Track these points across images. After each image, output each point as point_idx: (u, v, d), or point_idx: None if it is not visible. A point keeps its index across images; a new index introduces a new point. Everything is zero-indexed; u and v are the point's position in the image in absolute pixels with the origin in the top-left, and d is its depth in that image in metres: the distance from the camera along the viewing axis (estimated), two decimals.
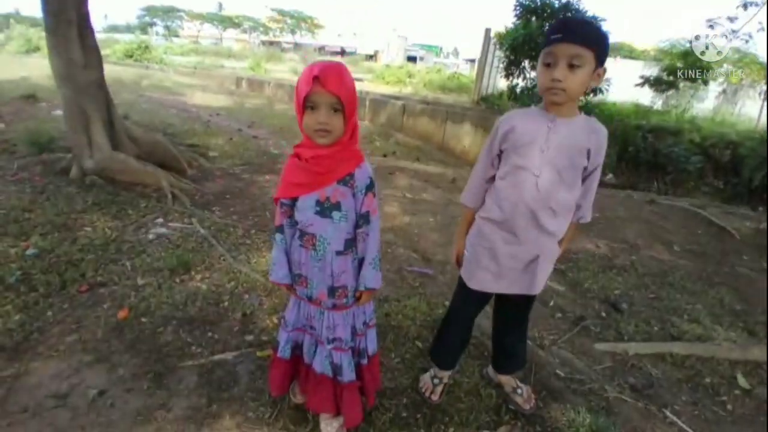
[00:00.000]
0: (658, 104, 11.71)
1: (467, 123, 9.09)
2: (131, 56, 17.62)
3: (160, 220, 3.03)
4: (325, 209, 1.22)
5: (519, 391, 1.68)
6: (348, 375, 1.35)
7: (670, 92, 9.50)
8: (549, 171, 1.27)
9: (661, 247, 3.60)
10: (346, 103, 1.11)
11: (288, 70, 18.63)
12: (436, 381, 1.69)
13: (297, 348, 1.44)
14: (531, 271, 1.39)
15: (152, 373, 1.66)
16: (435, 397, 1.66)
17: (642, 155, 9.24)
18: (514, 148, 1.31)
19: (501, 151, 1.35)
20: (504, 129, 1.32)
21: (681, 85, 8.93)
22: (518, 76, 9.35)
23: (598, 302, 2.64)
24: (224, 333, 1.95)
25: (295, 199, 1.26)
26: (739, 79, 10.58)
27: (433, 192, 4.55)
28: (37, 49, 16.20)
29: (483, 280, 1.44)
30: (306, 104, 1.12)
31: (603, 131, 1.30)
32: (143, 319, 1.97)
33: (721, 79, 10.79)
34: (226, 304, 2.16)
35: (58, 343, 1.76)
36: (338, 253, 1.25)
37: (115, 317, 1.96)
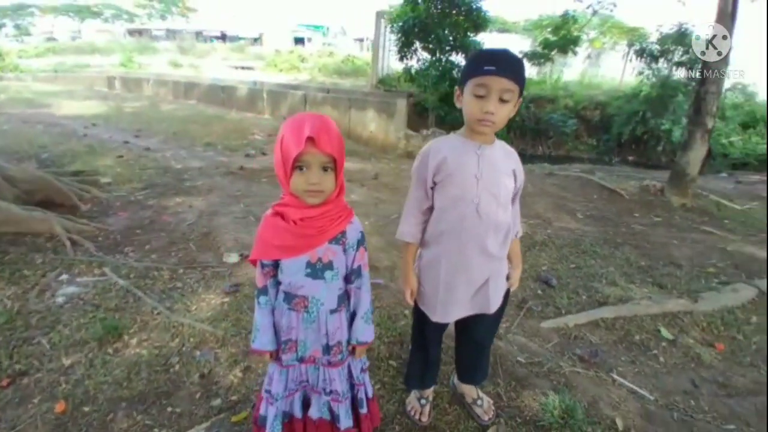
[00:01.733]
0: (533, 74, 12.95)
1: (370, 109, 9.15)
2: None
3: (65, 276, 2.60)
4: (317, 270, 1.16)
5: (479, 402, 1.75)
6: (345, 422, 1.33)
7: (546, 64, 10.55)
8: (486, 196, 1.33)
9: (567, 217, 4.05)
10: (339, 160, 1.07)
11: (166, 63, 16.79)
12: (423, 402, 1.73)
13: (286, 417, 1.35)
14: (483, 293, 1.45)
15: None
16: (425, 419, 1.69)
17: (527, 123, 10.26)
18: (450, 178, 1.33)
19: (434, 183, 1.37)
20: (435, 161, 1.34)
21: (553, 55, 9.95)
22: (411, 58, 9.59)
23: (532, 281, 2.90)
24: (186, 403, 1.76)
25: (277, 260, 1.18)
26: (602, 44, 12.08)
27: (359, 192, 4.54)
28: None
29: (444, 312, 1.47)
30: (295, 165, 1.05)
31: (516, 154, 1.42)
32: (85, 409, 1.70)
33: (585, 45, 12.19)
34: (177, 367, 1.95)
35: None
36: (332, 311, 1.22)
37: (52, 413, 1.66)
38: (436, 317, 1.48)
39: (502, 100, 1.21)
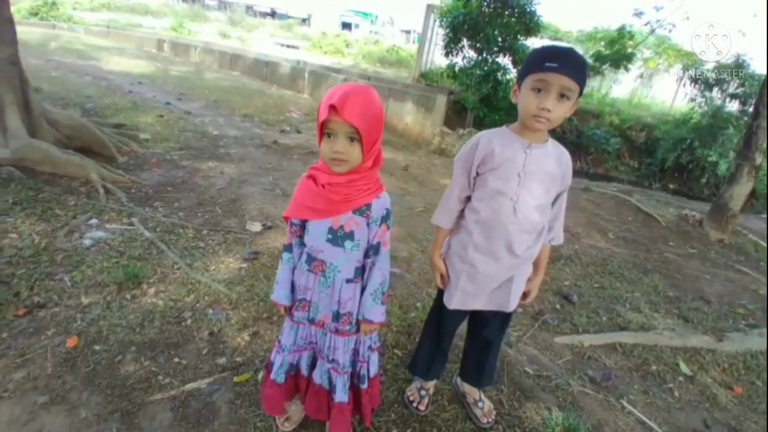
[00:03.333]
0: None
1: (409, 101, 9.08)
2: (37, 14, 15.33)
3: (95, 221, 2.68)
4: (337, 237, 1.17)
5: (480, 404, 1.72)
6: (340, 396, 1.33)
7: (596, 77, 10.24)
8: (525, 196, 1.31)
9: (598, 235, 3.92)
10: (364, 133, 1.05)
11: (216, 33, 17.14)
12: (423, 393, 1.71)
13: (292, 369, 1.39)
14: (505, 289, 1.43)
15: (119, 412, 1.50)
16: (422, 407, 1.68)
17: (567, 136, 9.99)
18: (493, 172, 1.32)
19: (477, 174, 1.36)
20: (483, 153, 1.32)
21: (604, 69, 9.62)
22: (457, 55, 9.45)
23: (552, 294, 2.82)
24: (192, 357, 1.80)
25: (305, 221, 1.21)
26: (656, 65, 11.61)
27: (387, 181, 4.50)
28: None
29: (462, 300, 1.47)
30: (323, 131, 1.07)
31: (567, 155, 1.37)
32: (96, 347, 1.76)
33: (639, 63, 11.74)
34: (188, 321, 1.99)
35: (5, 381, 1.53)
36: (348, 281, 1.22)
37: (64, 346, 1.72)
38: (452, 305, 1.47)
39: (561, 96, 1.17)
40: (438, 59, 13.34)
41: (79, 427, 1.42)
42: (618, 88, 12.31)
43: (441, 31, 10.44)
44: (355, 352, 1.35)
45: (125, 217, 2.80)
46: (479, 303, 1.46)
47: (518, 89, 1.26)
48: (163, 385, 1.64)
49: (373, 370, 1.41)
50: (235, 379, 1.71)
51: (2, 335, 1.71)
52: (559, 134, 10.00)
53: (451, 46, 9.51)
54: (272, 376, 1.36)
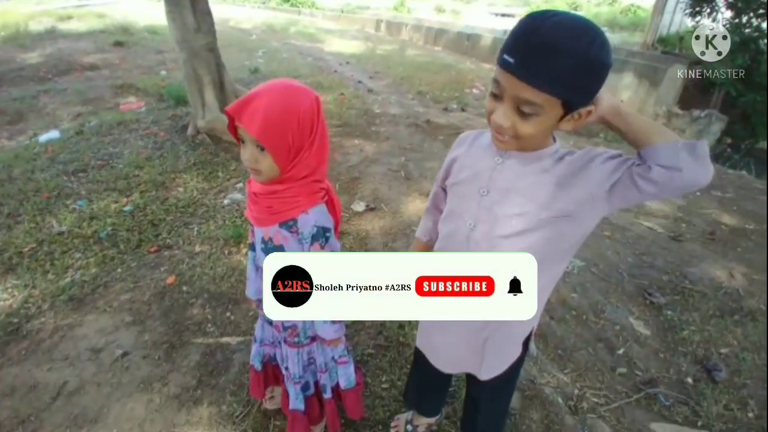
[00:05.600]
0: None
1: (629, 73, 7.55)
2: (288, 1, 19.02)
3: (240, 185, 3.29)
4: (268, 249, 1.14)
5: None
6: (293, 404, 1.33)
7: None
8: (487, 223, 0.93)
9: None
10: (267, 144, 0.95)
11: (432, 9, 17.73)
12: (409, 428, 1.55)
13: (271, 360, 1.46)
14: (475, 347, 1.07)
15: (168, 344, 1.89)
16: None
17: None
18: (453, 186, 1.02)
19: (447, 185, 1.06)
20: (448, 159, 1.04)
21: None
22: (708, 15, 7.31)
23: (689, 362, 2.04)
24: (240, 315, 2.08)
25: None
26: None
27: None
28: None
29: (426, 342, 1.20)
30: (238, 136, 1.02)
31: (584, 170, 0.84)
32: (184, 288, 2.22)
33: None
34: None
35: (114, 299, 2.12)
36: None
37: (164, 282, 2.25)
38: (417, 342, 1.26)
39: (521, 113, 0.77)
40: (686, 20, 10.59)
41: (137, 346, 1.86)
42: None
43: None
44: (312, 361, 1.33)
45: None
46: (446, 353, 1.15)
47: None
48: (207, 332, 1.97)
49: (344, 382, 1.36)
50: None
51: (132, 264, 2.35)
52: None
53: (699, 3, 7.40)
54: (251, 361, 1.46)
